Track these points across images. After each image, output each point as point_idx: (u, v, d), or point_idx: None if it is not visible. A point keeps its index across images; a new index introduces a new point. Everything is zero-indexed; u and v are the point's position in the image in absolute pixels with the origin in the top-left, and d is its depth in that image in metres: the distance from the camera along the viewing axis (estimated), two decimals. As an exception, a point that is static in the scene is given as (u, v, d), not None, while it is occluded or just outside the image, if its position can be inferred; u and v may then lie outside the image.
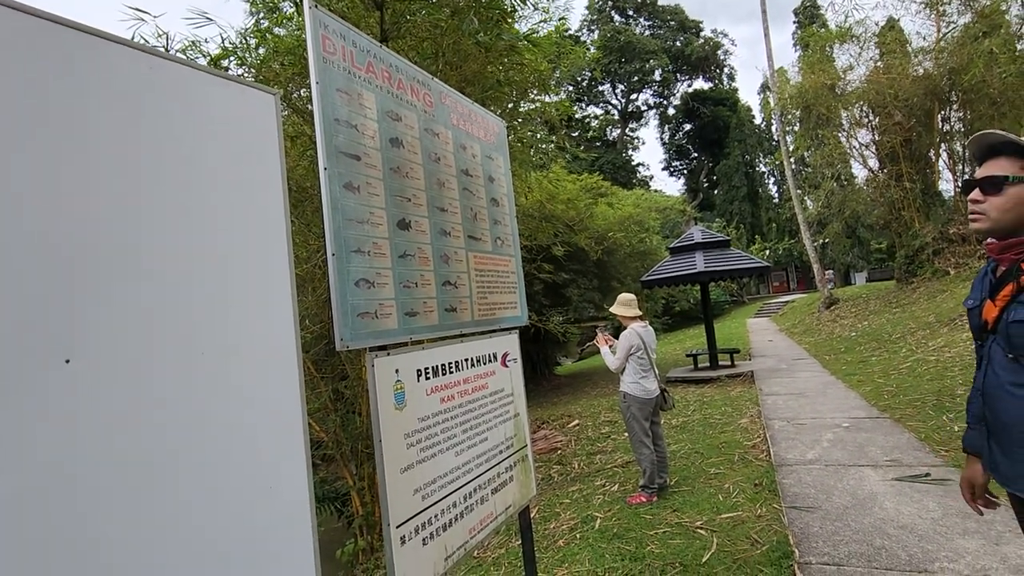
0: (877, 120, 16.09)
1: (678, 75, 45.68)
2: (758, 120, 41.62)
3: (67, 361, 1.10)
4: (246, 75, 5.86)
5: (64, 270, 1.10)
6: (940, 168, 15.93)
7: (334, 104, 1.91)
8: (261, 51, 6.02)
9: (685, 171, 48.21)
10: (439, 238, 2.38)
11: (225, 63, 5.83)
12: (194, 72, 1.42)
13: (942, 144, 15.59)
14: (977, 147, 1.49)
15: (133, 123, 1.24)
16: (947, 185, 16.96)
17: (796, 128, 19.97)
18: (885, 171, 16.38)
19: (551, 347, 14.83)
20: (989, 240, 1.49)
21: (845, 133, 17.55)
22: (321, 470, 7.77)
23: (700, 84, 46.05)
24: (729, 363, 10.74)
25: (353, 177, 1.94)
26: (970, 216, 1.49)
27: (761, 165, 40.65)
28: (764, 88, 37.99)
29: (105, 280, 1.16)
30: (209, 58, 5.60)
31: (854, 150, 17.52)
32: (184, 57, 1.38)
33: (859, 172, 20.16)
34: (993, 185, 1.41)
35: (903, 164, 15.21)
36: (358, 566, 5.68)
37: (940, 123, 15.21)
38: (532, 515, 4.52)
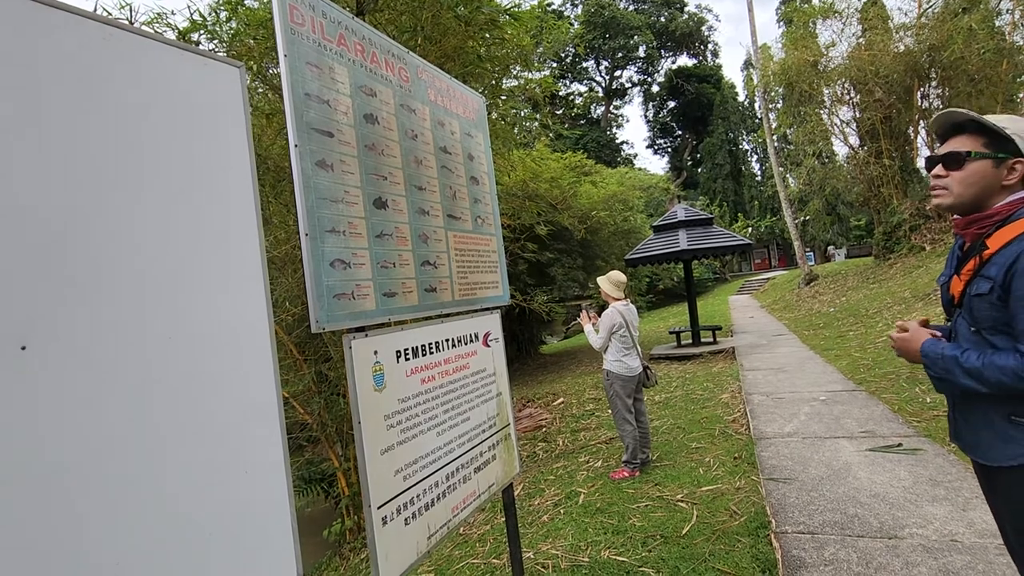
0: (858, 97, 16.19)
1: (662, 51, 45.30)
2: (741, 97, 41.61)
3: (23, 348, 1.06)
4: (217, 50, 5.65)
5: (15, 252, 1.05)
6: (919, 145, 16.13)
7: (304, 78, 1.84)
8: (233, 24, 5.80)
9: (669, 149, 48.19)
10: (417, 217, 2.34)
11: (195, 37, 5.62)
12: (152, 43, 1.35)
13: (921, 121, 15.76)
14: (940, 125, 1.53)
15: (85, 97, 1.17)
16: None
17: (779, 105, 20.01)
18: (865, 148, 16.54)
19: (536, 326, 14.90)
20: (955, 216, 1.52)
21: (827, 110, 17.64)
22: (307, 451, 7.78)
23: (684, 61, 45.81)
24: (711, 340, 10.90)
25: (326, 155, 1.88)
26: (933, 192, 1.53)
27: (744, 143, 40.79)
28: (748, 65, 37.91)
29: (60, 262, 1.11)
30: (177, 32, 5.39)
31: (835, 127, 17.65)
32: (144, 28, 1.31)
33: (840, 149, 20.37)
34: (955, 161, 1.45)
35: (883, 141, 15.37)
36: (345, 544, 5.73)
37: (920, 100, 15.34)
38: (517, 492, 4.57)
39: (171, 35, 5.49)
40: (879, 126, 15.43)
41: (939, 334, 1.59)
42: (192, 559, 1.27)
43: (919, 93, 15.22)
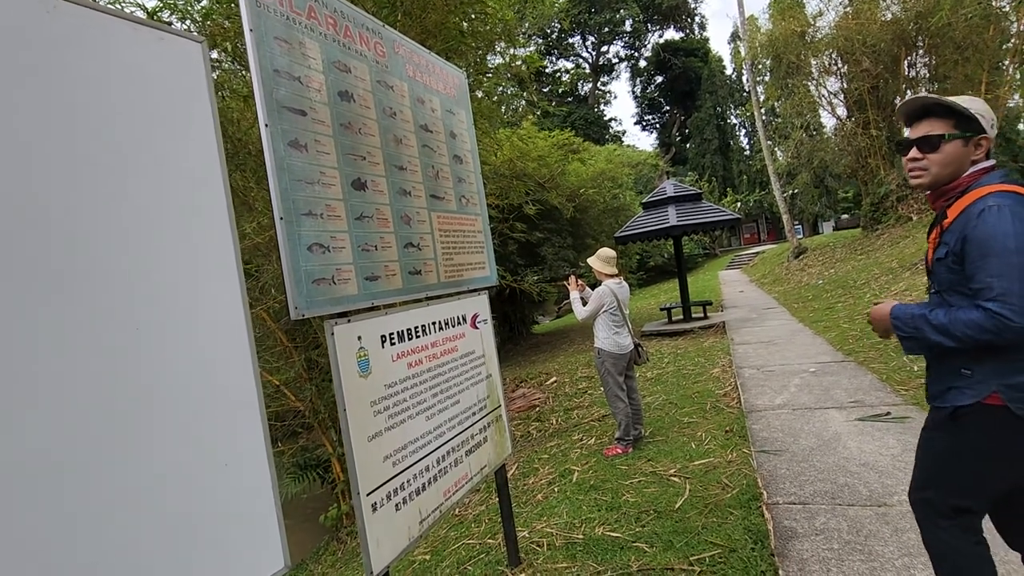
0: (846, 67, 16.07)
1: (649, 25, 44.61)
2: (729, 71, 41.25)
3: (-23, 344, 1.00)
4: (191, 31, 5.46)
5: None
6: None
7: (272, 53, 1.76)
8: (204, 2, 5.60)
9: (658, 125, 47.85)
10: (399, 198, 2.28)
11: (166, 16, 5.42)
12: (103, 16, 1.26)
13: (908, 91, 15.70)
14: (909, 109, 1.62)
15: (26, 72, 1.10)
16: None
17: (766, 78, 19.84)
18: (852, 119, 16.49)
19: (528, 306, 14.89)
20: (928, 192, 1.64)
21: (814, 81, 17.52)
22: (302, 438, 7.75)
23: (671, 34, 45.16)
24: (702, 315, 10.94)
25: (299, 134, 1.81)
26: (911, 173, 1.62)
27: (732, 117, 40.56)
28: (735, 37, 37.48)
29: (10, 250, 1.05)
30: (146, 12, 5.18)
31: (823, 99, 17.55)
32: (96, 2, 1.22)
33: (828, 121, 20.30)
34: (930, 144, 1.55)
35: (870, 111, 15.32)
36: (342, 529, 5.75)
37: (907, 69, 15.26)
38: (511, 472, 4.59)
39: (140, 15, 5.29)
40: (866, 96, 15.36)
41: None
42: (174, 554, 1.23)
43: (906, 62, 15.13)
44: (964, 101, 1.53)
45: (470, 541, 3.48)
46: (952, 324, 1.44)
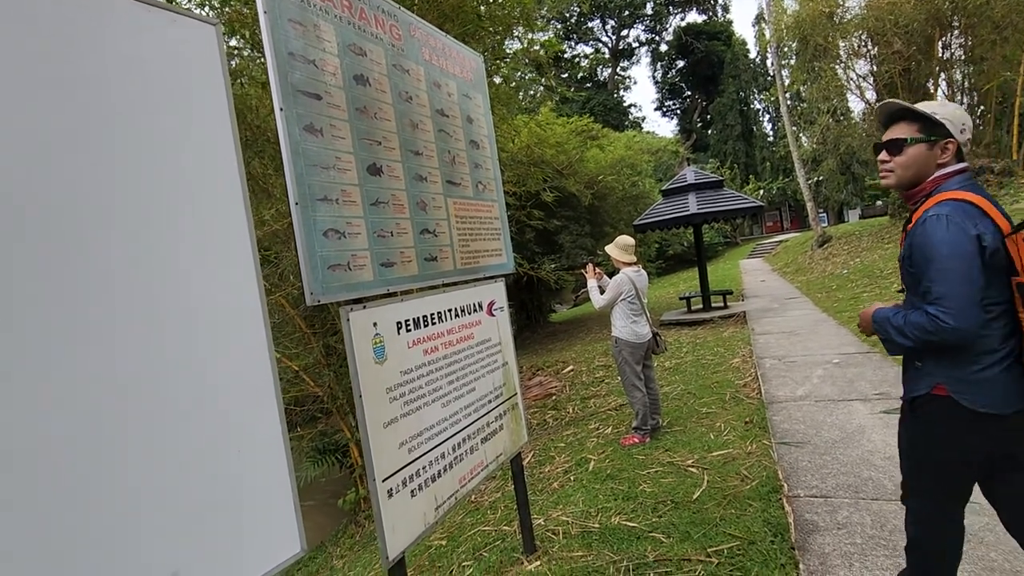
0: (876, 49, 15.50)
1: (670, 8, 43.66)
2: (753, 54, 40.19)
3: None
4: (209, 15, 5.47)
5: (-21, 227, 0.99)
6: (939, 98, 15.51)
7: (287, 36, 1.74)
8: (223, -11, 5.61)
9: (678, 111, 46.96)
10: (415, 184, 2.25)
11: (184, 3, 5.44)
12: (116, -1, 1.25)
13: (941, 73, 15.11)
14: (882, 114, 1.73)
15: (37, 58, 1.09)
16: (945, 116, 16.53)
17: (792, 61, 19.26)
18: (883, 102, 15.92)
19: (545, 295, 14.85)
20: (902, 194, 1.73)
21: (842, 64, 16.95)
22: (321, 423, 7.87)
23: (693, 17, 44.13)
24: (722, 305, 10.79)
25: (314, 119, 1.79)
26: (880, 174, 1.73)
27: (756, 102, 39.57)
28: (759, 20, 36.41)
29: (25, 238, 1.05)
30: (166, -1, 5.20)
31: (851, 82, 16.97)
32: None
33: (856, 106, 19.68)
34: (896, 146, 1.65)
35: (901, 95, 14.77)
36: (360, 513, 5.85)
37: (940, 50, 14.67)
38: (527, 460, 4.59)
39: None
40: (897, 79, 14.80)
41: None
42: (191, 538, 1.24)
43: (940, 43, 14.54)
44: (933, 106, 1.62)
45: (486, 528, 3.50)
46: (906, 326, 1.55)
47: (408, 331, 2.10)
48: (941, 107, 1.61)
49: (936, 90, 15.33)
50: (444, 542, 3.52)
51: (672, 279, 22.30)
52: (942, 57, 14.69)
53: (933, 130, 1.60)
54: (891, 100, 1.70)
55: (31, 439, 1.01)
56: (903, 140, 1.63)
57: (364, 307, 1.90)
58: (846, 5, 15.81)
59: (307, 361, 6.08)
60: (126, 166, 1.21)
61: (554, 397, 6.82)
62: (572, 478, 3.92)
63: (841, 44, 16.33)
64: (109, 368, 1.14)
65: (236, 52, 6.05)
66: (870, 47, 15.72)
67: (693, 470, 3.53)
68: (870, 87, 16.53)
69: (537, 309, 14.86)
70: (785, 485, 2.99)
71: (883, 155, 1.69)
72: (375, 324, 1.94)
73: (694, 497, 3.13)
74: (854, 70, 16.65)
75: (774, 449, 3.53)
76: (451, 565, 3.12)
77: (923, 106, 1.62)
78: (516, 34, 7.89)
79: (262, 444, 1.43)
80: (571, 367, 8.28)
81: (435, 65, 2.53)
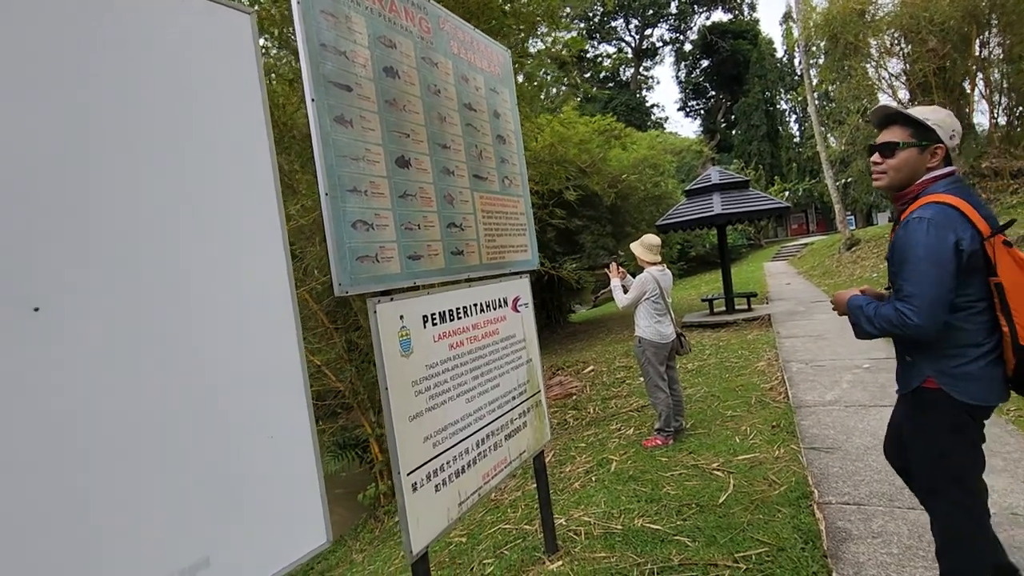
0: (909, 48, 15.07)
1: (695, 7, 43.09)
2: (780, 53, 39.45)
3: (36, 309, 1.01)
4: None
5: (23, 209, 1.00)
6: (975, 98, 15.02)
7: (319, 27, 1.74)
8: (253, -12, 5.68)
9: (702, 111, 46.33)
10: (442, 177, 2.24)
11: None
12: (154, -13, 1.25)
13: (978, 72, 14.62)
14: (876, 117, 1.80)
15: (81, 49, 1.10)
16: (982, 117, 16.05)
17: (820, 60, 18.84)
18: (916, 103, 15.50)
19: (565, 294, 14.76)
20: (892, 195, 1.81)
21: (874, 63, 16.52)
22: (341, 418, 7.95)
23: (719, 16, 43.47)
24: (746, 307, 10.60)
25: (345, 110, 1.79)
26: (872, 176, 1.80)
27: (782, 102, 38.83)
28: (787, 18, 35.73)
29: (66, 219, 1.06)
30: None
31: (883, 81, 16.53)
32: None
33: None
34: (888, 149, 1.72)
35: (935, 94, 14.34)
36: (380, 508, 5.87)
37: (978, 48, 14.20)
38: (548, 459, 4.55)
39: None
40: (931, 78, 14.36)
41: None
42: (221, 526, 1.24)
43: (978, 41, 14.07)
44: (924, 112, 1.70)
45: (506, 526, 3.47)
46: (875, 317, 1.67)
47: (434, 325, 2.09)
48: (933, 113, 1.70)
49: (973, 90, 14.85)
50: (464, 539, 3.51)
51: (693, 281, 22.00)
52: (979, 56, 14.22)
53: (925, 135, 1.68)
54: (886, 104, 1.79)
55: (67, 424, 1.02)
56: (895, 143, 1.70)
57: (391, 299, 1.90)
58: (878, 2, 15.41)
59: (329, 356, 6.14)
60: (160, 153, 1.22)
61: (574, 397, 6.77)
62: (593, 478, 3.87)
63: (873, 42, 15.93)
64: (147, 355, 1.14)
65: (264, 52, 6.14)
66: (903, 45, 15.30)
67: (718, 473, 3.45)
68: (903, 86, 16.09)
69: (557, 309, 14.79)
70: (815, 491, 2.90)
71: (876, 157, 1.77)
72: (402, 317, 1.93)
73: (720, 501, 3.06)
74: (886, 69, 16.22)
75: (803, 454, 3.44)
76: (471, 562, 3.10)
77: (916, 111, 1.70)
78: (539, 32, 7.86)
79: (291, 433, 1.43)
80: (591, 367, 8.21)
81: (463, 59, 2.52)
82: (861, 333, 1.79)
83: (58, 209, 1.05)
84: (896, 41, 15.44)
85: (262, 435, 1.36)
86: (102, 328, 1.09)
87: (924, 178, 1.69)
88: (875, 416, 3.93)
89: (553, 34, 8.64)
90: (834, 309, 1.95)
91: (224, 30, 1.40)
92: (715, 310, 10.77)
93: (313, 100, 1.68)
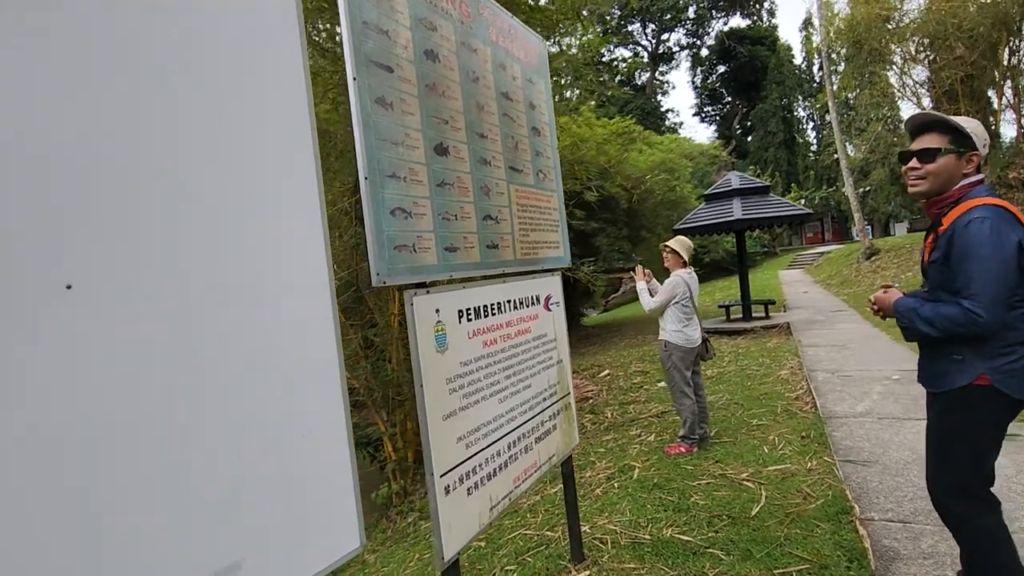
0: (935, 55, 14.80)
1: (713, 11, 42.79)
2: (798, 60, 39.08)
3: (68, 287, 0.93)
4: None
5: (63, 185, 0.92)
6: (1002, 107, 14.70)
7: (361, 4, 1.65)
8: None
9: (717, 117, 45.98)
10: (479, 167, 2.15)
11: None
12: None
13: (1006, 80, 14.32)
14: (914, 123, 1.83)
15: (124, 29, 1.02)
16: (1009, 127, 15.73)
17: (840, 67, 18.57)
18: (941, 112, 15.20)
19: (578, 297, 14.63)
20: (922, 200, 1.84)
21: (897, 71, 16.26)
22: (354, 416, 7.87)
23: (737, 21, 43.16)
24: (763, 315, 10.42)
25: (386, 92, 1.71)
26: (910, 182, 1.82)
27: (800, 109, 38.46)
28: (807, 24, 35.41)
29: (104, 196, 0.98)
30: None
31: (907, 88, 16.27)
32: None
33: (908, 114, 18.85)
34: (928, 155, 1.76)
35: (962, 103, 14.07)
36: (393, 508, 5.79)
37: (1007, 56, 13.92)
38: (567, 463, 4.44)
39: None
40: (958, 86, 14.09)
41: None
42: (249, 529, 1.15)
43: (1007, 49, 13.79)
44: (961, 121, 1.73)
45: (527, 531, 3.37)
46: (935, 317, 1.69)
47: (469, 320, 2.00)
48: (967, 122, 1.74)
49: (1001, 98, 14.55)
50: (483, 543, 3.41)
51: (707, 287, 21.75)
52: (1009, 63, 13.93)
53: (963, 142, 1.73)
54: (924, 111, 1.92)
55: (95, 413, 0.94)
56: (936, 149, 1.74)
57: (428, 292, 1.81)
58: (904, 8, 15.17)
59: (345, 353, 6.05)
60: (203, 129, 1.14)
61: (591, 401, 6.66)
62: (616, 485, 3.76)
63: (897, 49, 15.67)
64: (179, 343, 1.06)
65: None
66: (928, 52, 15.04)
67: (749, 484, 3.33)
68: (927, 94, 15.81)
69: (569, 313, 14.66)
70: (856, 506, 2.77)
71: (913, 163, 1.79)
72: (437, 311, 1.85)
73: (752, 513, 2.94)
74: (910, 76, 15.95)
75: (838, 467, 3.30)
76: (493, 568, 3.00)
77: (954, 119, 1.74)
78: (560, 31, 7.77)
79: (326, 429, 1.34)
80: (607, 371, 8.09)
81: (501, 46, 2.43)
82: (914, 335, 1.80)
83: (97, 185, 0.97)
84: (921, 48, 15.18)
85: (297, 431, 1.27)
86: (131, 307, 1.00)
87: (962, 183, 1.74)
88: (911, 429, 3.78)
89: (572, 36, 8.56)
90: (876, 312, 1.96)
91: (268, 5, 1.32)
92: (731, 317, 10.60)
93: (355, 79, 1.59)
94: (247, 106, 1.23)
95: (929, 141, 1.76)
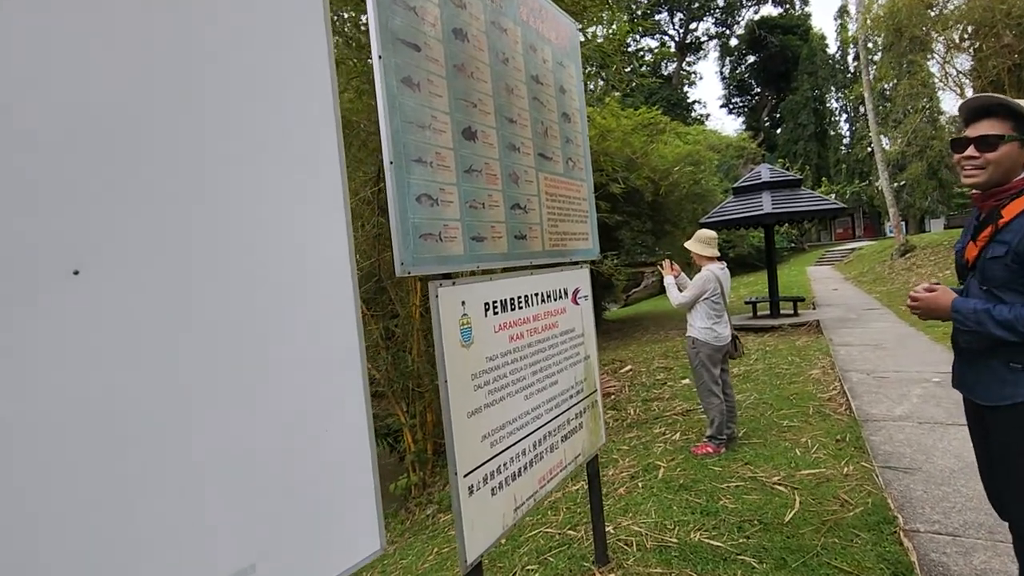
0: (980, 43, 14.13)
1: (744, 0, 41.69)
2: (832, 49, 37.82)
3: (75, 272, 0.87)
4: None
5: (71, 167, 0.86)
6: (1052, 98, 13.97)
7: (389, -23, 1.56)
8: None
9: (746, 109, 44.88)
10: (508, 153, 2.06)
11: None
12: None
13: (1057, 70, 13.60)
14: (970, 108, 1.65)
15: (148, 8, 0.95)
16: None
17: (877, 57, 17.88)
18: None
19: (600, 291, 14.46)
20: (974, 191, 1.69)
21: (939, 60, 15.59)
22: (374, 406, 7.88)
23: (768, 10, 41.92)
24: (792, 312, 10.13)
25: (412, 71, 1.62)
26: (967, 172, 1.65)
27: (832, 101, 37.26)
28: (842, 12, 34.19)
29: (116, 177, 0.91)
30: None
31: (949, 78, 15.60)
32: None
33: (949, 105, 18.11)
34: (988, 143, 1.59)
35: (1009, 93, 13.42)
36: (411, 499, 5.78)
37: (1059, 45, 13.20)
38: (589, 460, 4.35)
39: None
40: (1005, 76, 13.45)
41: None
42: (264, 530, 1.09)
43: (1059, 36, 13.09)
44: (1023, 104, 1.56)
45: (548, 530, 3.30)
46: (1018, 320, 1.50)
47: (495, 314, 1.91)
48: None
49: (1050, 88, 13.82)
50: (504, 541, 3.34)
51: (734, 282, 21.21)
52: (1060, 52, 13.22)
53: None
54: (985, 94, 1.65)
55: (104, 406, 0.88)
56: (999, 136, 1.57)
57: (453, 283, 1.73)
58: (948, -5, 14.50)
59: (366, 343, 6.05)
60: (224, 112, 1.06)
61: (613, 397, 6.54)
62: (640, 484, 3.65)
63: (939, 37, 15.02)
64: (191, 335, 0.99)
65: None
66: (973, 40, 14.37)
67: (781, 488, 3.19)
68: (970, 84, 15.14)
69: (594, 306, 14.50)
70: (899, 516, 2.62)
71: (971, 151, 1.62)
72: (463, 303, 1.76)
73: (786, 519, 2.81)
74: (953, 65, 15.28)
75: (877, 473, 3.15)
76: (514, 567, 2.93)
77: (1019, 103, 1.56)
78: (586, 19, 7.58)
79: (348, 426, 1.27)
80: (629, 367, 7.95)
81: (532, 27, 2.32)
82: (980, 341, 1.63)
83: (108, 164, 0.90)
84: (966, 36, 14.51)
85: (317, 428, 1.21)
86: (144, 294, 0.94)
87: None
88: (955, 435, 3.58)
89: (599, 25, 8.35)
90: (915, 311, 1.78)
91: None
92: (758, 313, 10.34)
93: (380, 57, 1.51)
94: (271, 90, 1.16)
95: (990, 127, 1.59)
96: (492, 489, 1.82)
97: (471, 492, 1.72)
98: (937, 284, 1.78)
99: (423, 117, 1.65)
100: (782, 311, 10.22)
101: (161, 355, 0.94)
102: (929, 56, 15.60)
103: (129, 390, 0.90)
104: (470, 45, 1.90)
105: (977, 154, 1.61)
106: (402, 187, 1.54)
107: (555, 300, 2.34)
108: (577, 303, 2.53)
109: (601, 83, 11.88)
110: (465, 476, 1.70)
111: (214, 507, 1.00)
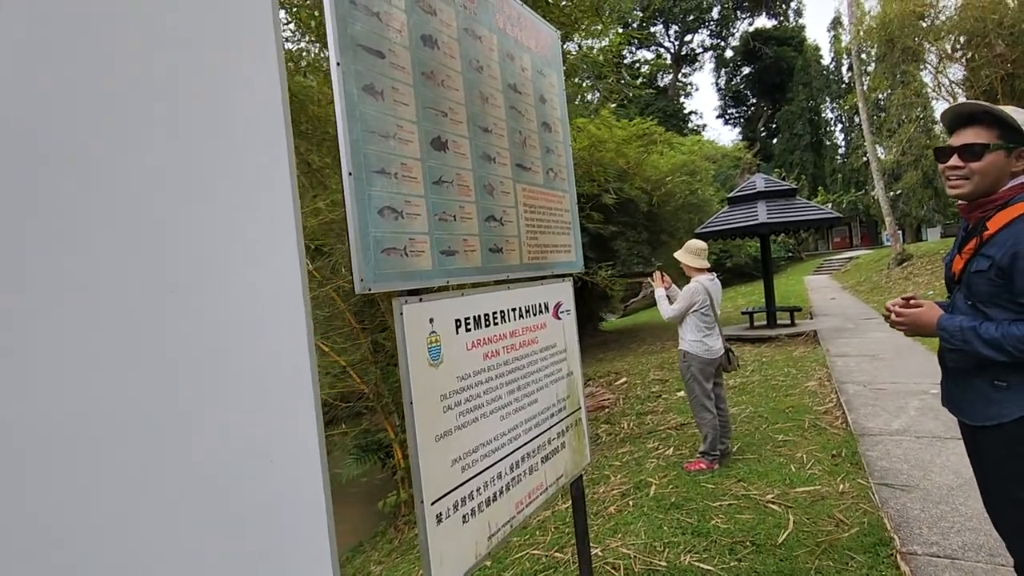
0: (973, 53, 14.21)
1: (738, 12, 42.09)
2: (826, 60, 38.15)
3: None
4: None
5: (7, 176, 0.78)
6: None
7: (348, -19, 1.50)
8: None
9: (741, 119, 45.16)
10: (482, 164, 1.98)
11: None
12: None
13: (1049, 79, 13.66)
14: (954, 116, 1.60)
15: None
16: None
17: (872, 68, 17.99)
18: (979, 110, 14.58)
19: (596, 302, 14.40)
20: (960, 202, 1.63)
21: (932, 70, 15.67)
22: (365, 419, 7.79)
23: (763, 22, 42.35)
24: (788, 322, 10.05)
25: (375, 79, 1.55)
26: (951, 182, 1.59)
27: (827, 111, 37.53)
28: (835, 24, 34.53)
29: (27, 190, 0.83)
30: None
31: (942, 88, 15.68)
32: None
33: (944, 114, 18.15)
34: (972, 153, 1.53)
35: (1002, 102, 13.45)
36: (400, 517, 5.66)
37: (1051, 54, 13.27)
38: (580, 477, 4.25)
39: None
40: (998, 85, 13.51)
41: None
42: (202, 568, 0.99)
43: (1050, 46, 13.15)
44: (1010, 111, 1.51)
45: (535, 551, 3.19)
46: (1005, 339, 1.44)
47: (467, 331, 1.83)
48: (1017, 113, 1.51)
49: (1043, 98, 13.88)
50: (489, 563, 3.23)
51: (729, 292, 21.27)
52: (1052, 61, 13.30)
53: (1013, 137, 1.51)
54: (968, 101, 1.60)
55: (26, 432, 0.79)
56: (984, 145, 1.52)
57: (420, 300, 1.64)
58: (939, 5, 14.62)
59: (355, 357, 5.96)
60: (158, 116, 0.99)
61: (607, 410, 6.44)
62: (631, 503, 3.55)
63: (932, 48, 15.12)
64: (121, 357, 0.91)
65: (293, 40, 6.02)
66: (966, 50, 14.46)
67: (774, 507, 3.09)
68: (963, 93, 15.21)
69: (588, 316, 14.42)
70: (896, 538, 2.53)
71: (954, 160, 1.56)
72: (431, 320, 1.68)
73: (779, 540, 2.71)
74: (946, 75, 15.36)
75: (874, 491, 3.05)
76: (497, 592, 2.83)
77: (1004, 110, 1.51)
78: (581, 28, 7.59)
79: (296, 457, 1.18)
80: (624, 379, 7.85)
81: (509, 35, 2.26)
82: (968, 358, 1.56)
83: (35, 180, 0.82)
84: (958, 46, 14.61)
85: (261, 457, 1.12)
86: (80, 324, 0.85)
87: (1012, 184, 1.52)
88: (953, 450, 3.49)
89: (593, 37, 8.36)
90: (900, 329, 1.73)
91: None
92: (755, 324, 10.26)
93: (338, 64, 1.44)
94: (216, 103, 1.08)
95: (974, 135, 1.54)
96: (464, 516, 1.73)
97: (439, 521, 1.62)
98: (911, 297, 1.73)
99: (387, 126, 1.57)
100: (779, 321, 10.16)
101: (72, 375, 0.86)
102: (922, 66, 15.69)
103: (44, 413, 0.81)
104: (440, 52, 1.84)
105: (961, 164, 1.56)
106: (362, 200, 1.47)
107: (535, 315, 2.25)
108: (559, 317, 2.44)
109: (597, 95, 11.91)
110: (433, 504, 1.60)
111: (145, 542, 0.91)
